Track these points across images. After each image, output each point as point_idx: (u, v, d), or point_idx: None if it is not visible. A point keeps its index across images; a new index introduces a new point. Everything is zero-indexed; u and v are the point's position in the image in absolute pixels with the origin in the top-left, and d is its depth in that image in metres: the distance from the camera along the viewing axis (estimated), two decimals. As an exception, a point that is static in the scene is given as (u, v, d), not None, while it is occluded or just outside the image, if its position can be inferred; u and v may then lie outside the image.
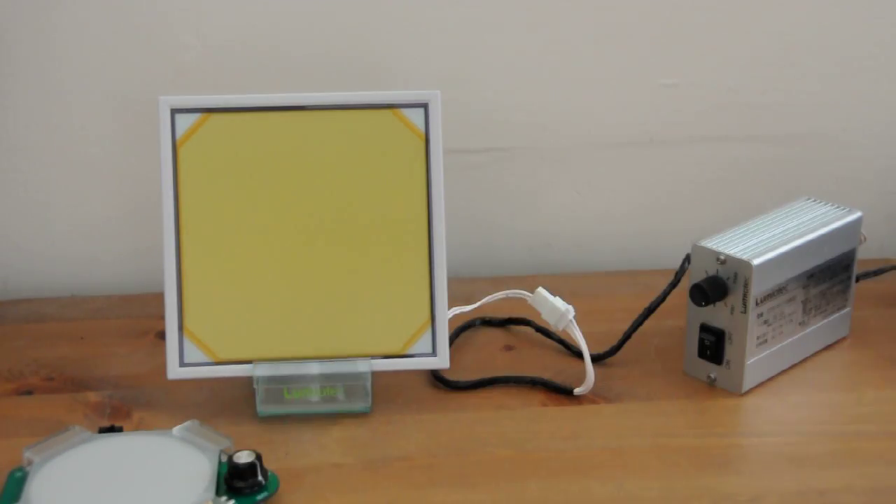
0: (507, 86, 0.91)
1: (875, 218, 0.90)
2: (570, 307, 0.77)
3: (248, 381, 0.72)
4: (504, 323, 0.84)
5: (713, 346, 0.75)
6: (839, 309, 0.81)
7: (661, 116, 0.94)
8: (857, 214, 0.80)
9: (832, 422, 0.72)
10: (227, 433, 0.66)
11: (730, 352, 0.74)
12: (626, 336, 0.79)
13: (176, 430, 0.66)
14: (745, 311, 0.73)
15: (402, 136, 0.71)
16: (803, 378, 0.77)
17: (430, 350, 0.72)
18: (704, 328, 0.75)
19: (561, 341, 0.81)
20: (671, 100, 0.93)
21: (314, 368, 0.71)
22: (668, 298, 0.79)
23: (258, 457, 0.63)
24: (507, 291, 0.80)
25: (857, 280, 0.83)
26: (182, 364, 0.71)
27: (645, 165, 0.95)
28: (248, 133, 0.71)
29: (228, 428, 0.69)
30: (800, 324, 0.77)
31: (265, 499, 0.62)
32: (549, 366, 0.79)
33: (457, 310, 0.82)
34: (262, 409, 0.72)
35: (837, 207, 0.80)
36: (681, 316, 0.77)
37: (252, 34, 0.87)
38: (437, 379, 0.76)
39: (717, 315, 0.74)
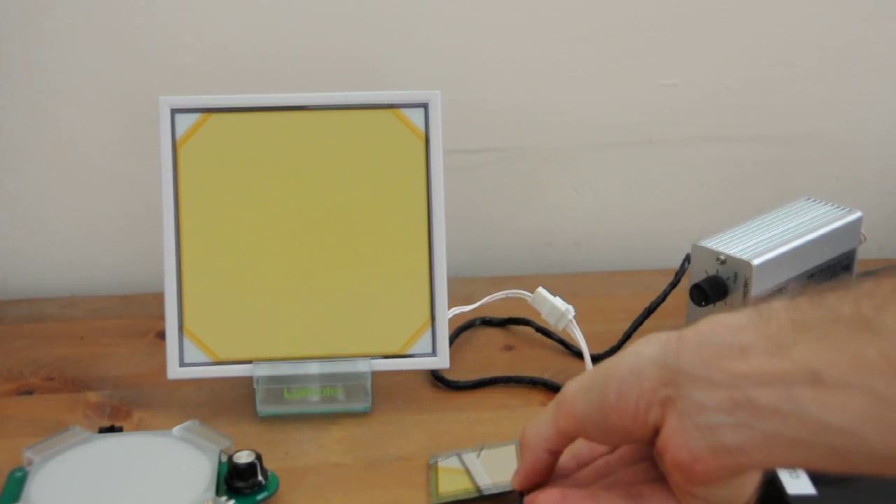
0: (507, 86, 0.91)
1: (875, 218, 0.90)
2: (570, 307, 0.77)
3: (248, 381, 0.72)
4: (504, 323, 0.84)
5: (713, 346, 0.74)
6: (839, 309, 0.81)
7: (661, 116, 0.94)
8: (857, 214, 0.80)
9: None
10: (227, 433, 0.66)
11: (730, 352, 0.74)
12: (626, 336, 0.79)
13: (176, 430, 0.66)
14: (745, 311, 0.72)
15: (402, 136, 0.71)
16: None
17: (430, 350, 0.72)
18: (704, 328, 0.75)
19: (561, 341, 0.81)
20: (671, 100, 0.93)
21: (314, 368, 0.71)
22: (668, 298, 0.79)
23: (258, 457, 0.63)
24: (507, 291, 0.80)
25: (857, 280, 0.82)
26: (182, 364, 0.71)
27: (645, 165, 0.95)
28: (248, 133, 0.71)
29: (228, 428, 0.69)
30: (800, 324, 0.77)
31: (265, 499, 0.62)
32: (549, 366, 0.79)
33: (457, 310, 0.81)
34: (262, 409, 0.72)
35: (837, 207, 0.80)
36: (681, 316, 0.77)
37: (252, 34, 0.87)
38: (437, 379, 0.76)
39: (717, 315, 0.74)
